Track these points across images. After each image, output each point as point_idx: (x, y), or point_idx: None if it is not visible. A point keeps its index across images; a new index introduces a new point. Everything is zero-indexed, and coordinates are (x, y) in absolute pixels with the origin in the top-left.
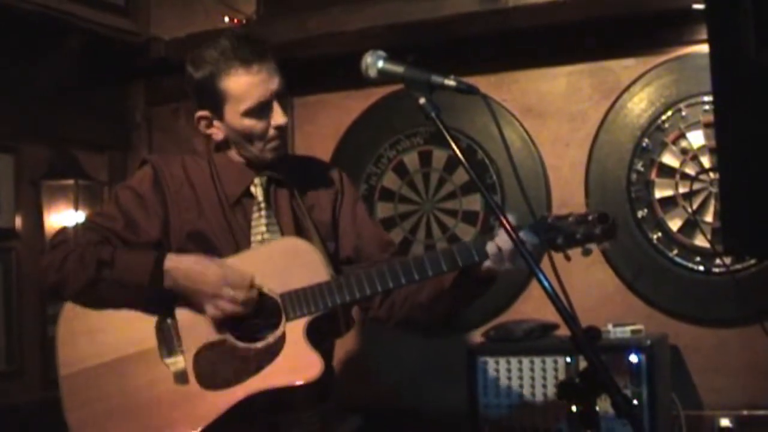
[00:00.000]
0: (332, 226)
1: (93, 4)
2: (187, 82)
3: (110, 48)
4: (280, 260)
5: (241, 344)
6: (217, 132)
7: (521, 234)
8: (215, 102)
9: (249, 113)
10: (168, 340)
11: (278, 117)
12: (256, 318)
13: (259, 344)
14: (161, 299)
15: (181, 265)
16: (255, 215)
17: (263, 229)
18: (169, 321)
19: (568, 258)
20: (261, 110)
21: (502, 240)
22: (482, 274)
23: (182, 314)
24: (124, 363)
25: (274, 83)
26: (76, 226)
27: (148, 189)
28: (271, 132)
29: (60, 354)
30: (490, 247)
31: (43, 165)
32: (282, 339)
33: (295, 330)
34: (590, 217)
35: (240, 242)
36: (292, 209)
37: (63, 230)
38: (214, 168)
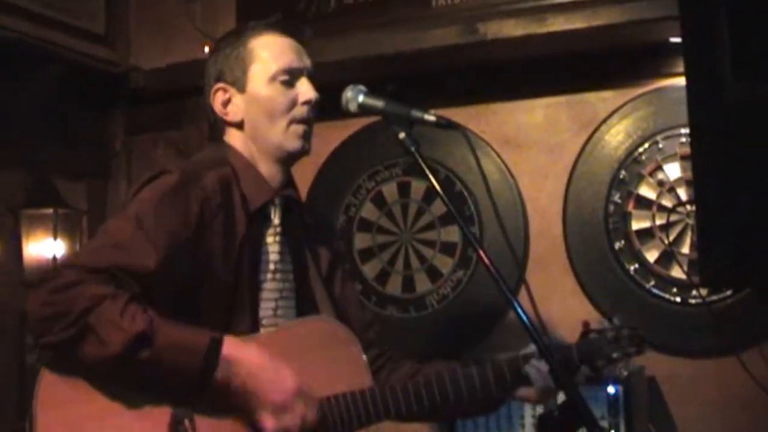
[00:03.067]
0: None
1: (73, 33)
2: (206, 75)
3: (90, 77)
4: (321, 351)
5: None
6: (236, 111)
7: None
8: (240, 68)
9: (276, 78)
10: None
11: (308, 91)
12: None
13: None
14: (197, 390)
15: (245, 356)
16: (269, 239)
17: (276, 257)
18: (186, 422)
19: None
20: (290, 78)
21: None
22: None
23: (203, 414)
24: None
25: (308, 59)
26: (83, 256)
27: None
28: (298, 109)
29: None
30: (532, 371)
31: (22, 193)
32: None
33: None
34: (624, 332)
35: (243, 275)
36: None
37: (71, 266)
38: (235, 175)
